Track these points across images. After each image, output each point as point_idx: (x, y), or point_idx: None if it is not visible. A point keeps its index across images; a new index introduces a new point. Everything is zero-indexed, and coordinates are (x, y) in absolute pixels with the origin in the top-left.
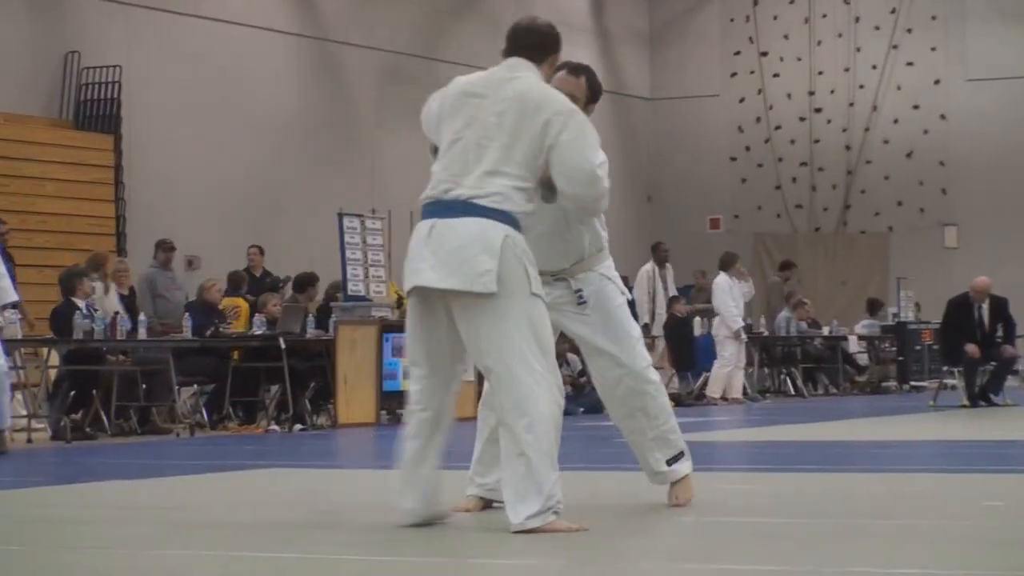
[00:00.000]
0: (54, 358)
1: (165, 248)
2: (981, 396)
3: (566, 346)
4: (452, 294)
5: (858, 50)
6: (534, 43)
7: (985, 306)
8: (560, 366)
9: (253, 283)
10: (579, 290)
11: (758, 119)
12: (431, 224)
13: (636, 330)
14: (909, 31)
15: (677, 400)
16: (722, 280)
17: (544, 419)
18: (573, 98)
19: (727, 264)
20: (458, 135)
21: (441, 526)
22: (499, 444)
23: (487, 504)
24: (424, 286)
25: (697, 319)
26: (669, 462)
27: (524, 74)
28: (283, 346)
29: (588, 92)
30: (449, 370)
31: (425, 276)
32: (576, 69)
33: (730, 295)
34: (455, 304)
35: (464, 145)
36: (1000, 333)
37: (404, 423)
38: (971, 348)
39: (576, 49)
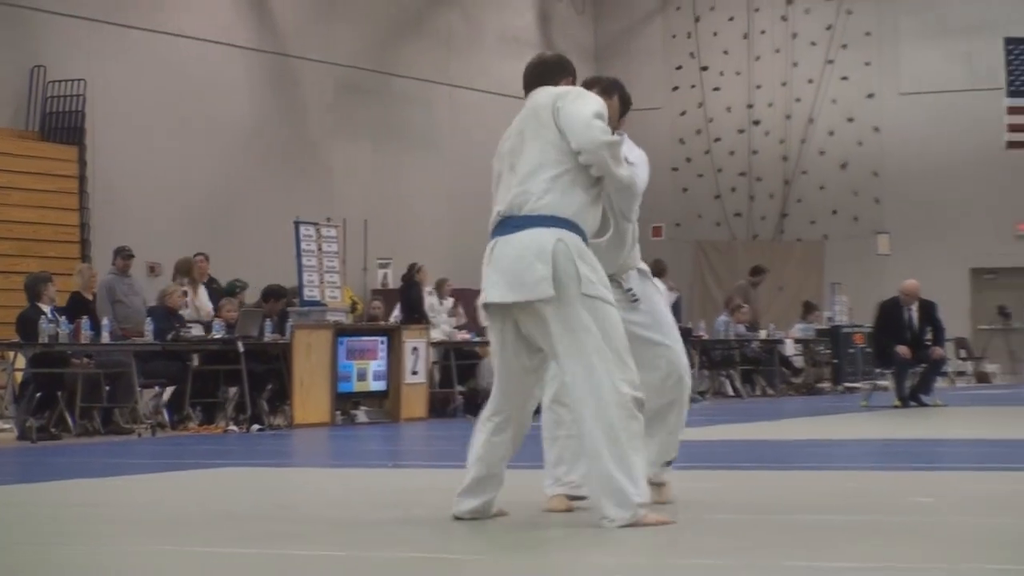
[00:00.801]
0: (20, 361)
1: (124, 255)
2: (912, 397)
3: None
4: (517, 307)
5: (795, 65)
6: (542, 72)
7: (915, 308)
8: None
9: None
10: (629, 288)
11: (699, 131)
12: (493, 244)
13: (675, 327)
14: (844, 47)
15: None
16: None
17: (619, 416)
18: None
19: (661, 271)
20: (499, 172)
21: (402, 522)
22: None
23: (573, 500)
24: (491, 303)
25: None
26: (664, 464)
27: (548, 95)
28: (241, 349)
29: (620, 107)
30: (521, 381)
31: (490, 293)
32: (608, 89)
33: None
34: (521, 316)
35: (502, 175)
36: (929, 336)
37: (476, 428)
38: (902, 349)
39: (523, 64)
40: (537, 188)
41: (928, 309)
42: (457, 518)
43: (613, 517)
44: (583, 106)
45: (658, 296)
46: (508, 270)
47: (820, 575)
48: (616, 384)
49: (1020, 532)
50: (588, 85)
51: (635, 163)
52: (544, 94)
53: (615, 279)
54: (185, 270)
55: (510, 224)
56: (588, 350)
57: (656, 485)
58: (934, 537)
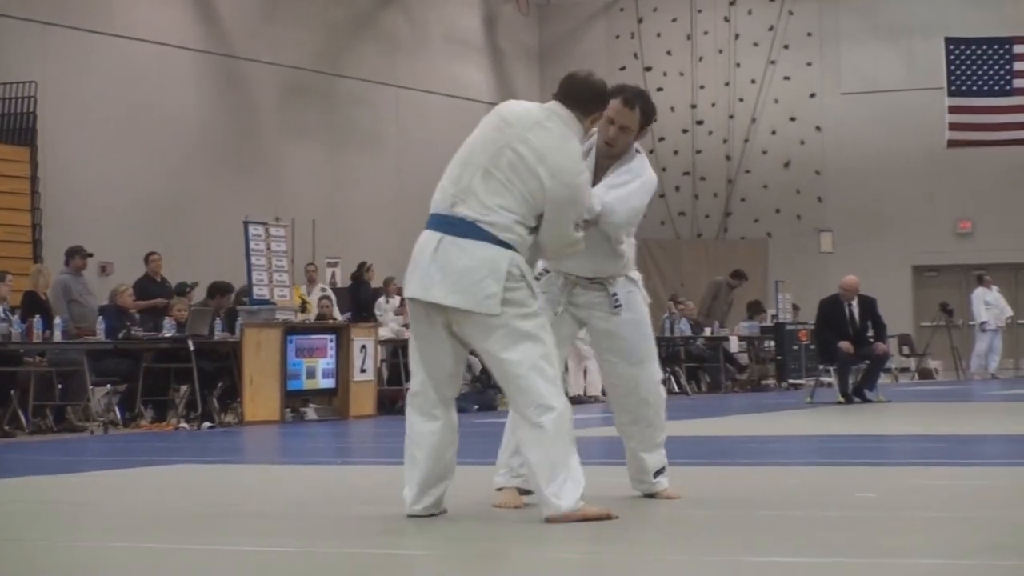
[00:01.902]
0: None
1: (83, 255)
2: (856, 393)
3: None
4: (458, 311)
5: (738, 65)
6: (586, 98)
7: (855, 304)
8: (468, 367)
9: (155, 288)
10: (615, 294)
11: None
12: (439, 238)
13: (653, 341)
14: (786, 47)
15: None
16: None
17: (564, 414)
18: (625, 129)
19: None
20: (473, 153)
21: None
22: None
23: (524, 494)
24: (428, 302)
25: None
26: (655, 474)
27: (555, 127)
28: (192, 348)
29: (642, 119)
30: (445, 375)
31: (434, 293)
32: (631, 100)
33: None
34: (457, 317)
35: (475, 165)
36: (871, 332)
37: (407, 421)
38: (844, 345)
39: (468, 66)
40: (498, 217)
41: (868, 305)
42: (411, 516)
43: (556, 507)
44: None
45: (644, 307)
46: (460, 276)
47: (754, 570)
48: (556, 390)
49: (960, 526)
50: (613, 93)
51: (624, 190)
52: (552, 148)
53: (601, 282)
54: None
55: (461, 226)
56: (528, 363)
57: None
58: (874, 532)
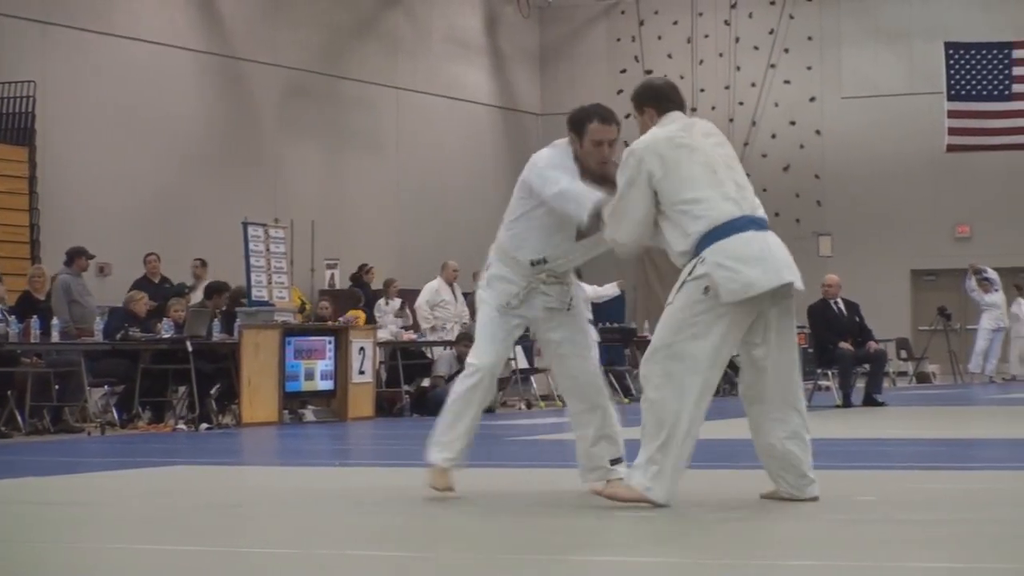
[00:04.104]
0: None
1: (87, 256)
2: (866, 401)
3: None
4: (782, 294)
5: (738, 69)
6: (681, 100)
7: (840, 302)
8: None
9: (153, 289)
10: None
11: None
12: (764, 235)
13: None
14: (786, 51)
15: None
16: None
17: None
18: (613, 143)
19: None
20: (708, 163)
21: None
22: None
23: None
24: (786, 284)
25: None
26: (612, 462)
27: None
28: (190, 349)
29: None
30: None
31: (789, 275)
32: (607, 118)
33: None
34: (775, 303)
35: (719, 167)
36: (859, 337)
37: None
38: (845, 345)
39: (470, 68)
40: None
41: (853, 308)
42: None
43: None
44: None
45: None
46: (788, 261)
47: (754, 573)
48: None
49: (961, 529)
50: (591, 116)
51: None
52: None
53: (560, 279)
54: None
55: (763, 224)
56: None
57: (609, 480)
58: (874, 536)
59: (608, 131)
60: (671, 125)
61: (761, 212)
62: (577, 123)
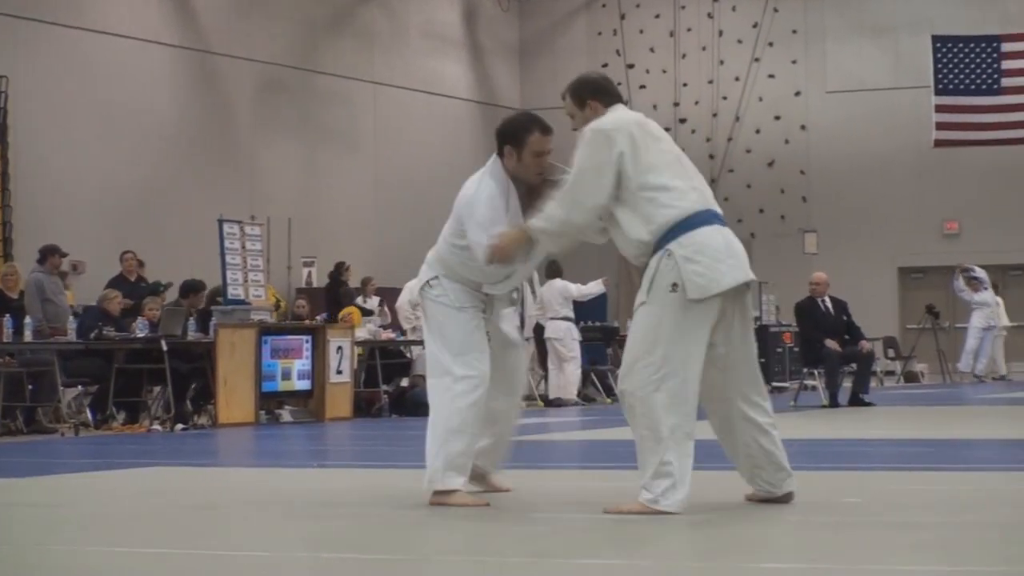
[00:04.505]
0: None
1: (60, 254)
2: (853, 401)
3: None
4: (740, 291)
5: (721, 63)
6: (620, 95)
7: (828, 300)
8: None
9: (130, 287)
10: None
11: None
12: (723, 230)
13: None
14: (771, 45)
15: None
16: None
17: None
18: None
19: (557, 272)
20: (675, 154)
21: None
22: None
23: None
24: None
25: None
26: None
27: None
28: (165, 348)
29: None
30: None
31: (747, 274)
32: (546, 128)
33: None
34: (737, 301)
35: (686, 163)
36: (847, 335)
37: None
38: (832, 343)
39: (448, 62)
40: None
41: (841, 306)
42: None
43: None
44: None
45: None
46: (745, 259)
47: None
48: None
49: (948, 532)
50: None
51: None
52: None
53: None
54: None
55: (723, 219)
56: None
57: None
58: (860, 538)
59: (549, 141)
60: (629, 114)
61: (718, 208)
62: (513, 135)
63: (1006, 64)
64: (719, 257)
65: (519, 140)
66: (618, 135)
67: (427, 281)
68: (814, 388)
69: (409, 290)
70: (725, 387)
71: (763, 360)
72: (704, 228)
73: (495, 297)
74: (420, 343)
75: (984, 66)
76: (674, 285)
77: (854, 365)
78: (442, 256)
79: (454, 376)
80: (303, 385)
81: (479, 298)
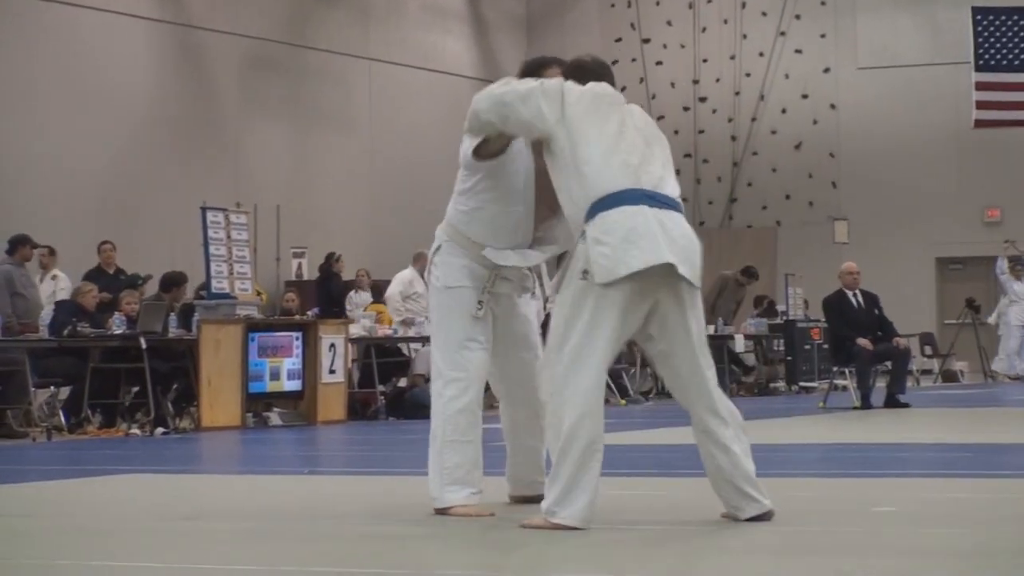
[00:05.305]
0: None
1: (31, 244)
2: (888, 402)
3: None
4: (670, 284)
5: (744, 37)
6: (614, 82)
7: (859, 294)
8: None
9: (108, 280)
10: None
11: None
12: (658, 213)
13: None
14: (798, 17)
15: None
16: None
17: None
18: None
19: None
20: (623, 128)
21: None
22: None
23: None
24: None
25: None
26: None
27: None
28: (144, 346)
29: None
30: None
31: (670, 257)
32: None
33: None
34: (665, 294)
35: (635, 139)
36: (879, 331)
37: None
38: (864, 342)
39: (448, 36)
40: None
41: (872, 300)
42: None
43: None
44: None
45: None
46: (684, 248)
47: None
48: None
49: (986, 543)
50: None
51: None
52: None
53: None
54: None
55: (664, 201)
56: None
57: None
58: (892, 550)
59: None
60: (592, 85)
61: (668, 191)
62: (532, 72)
63: None
64: (631, 238)
65: (537, 76)
66: (572, 86)
67: (432, 259)
68: (845, 388)
69: (400, 281)
70: (679, 390)
71: (790, 358)
72: (623, 207)
73: (502, 275)
74: (418, 340)
75: None
76: (584, 272)
77: (888, 363)
78: (448, 217)
79: (445, 379)
80: (293, 386)
81: (481, 274)
